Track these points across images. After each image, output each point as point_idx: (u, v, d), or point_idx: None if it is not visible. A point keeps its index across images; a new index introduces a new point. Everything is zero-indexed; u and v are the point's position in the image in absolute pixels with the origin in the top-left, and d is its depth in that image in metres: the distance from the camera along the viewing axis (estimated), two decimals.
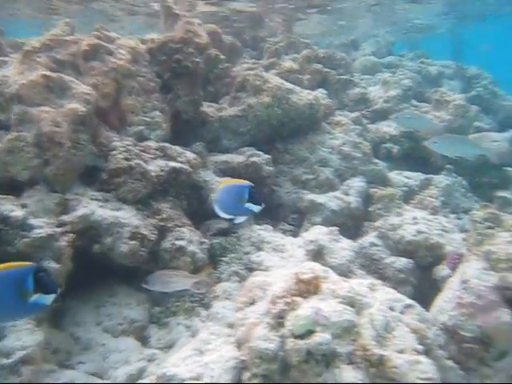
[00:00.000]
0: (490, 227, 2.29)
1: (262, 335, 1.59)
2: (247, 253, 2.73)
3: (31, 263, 1.47)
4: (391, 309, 1.90)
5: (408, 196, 3.81)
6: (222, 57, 3.50)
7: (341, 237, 2.64)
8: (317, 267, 1.84)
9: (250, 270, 2.58)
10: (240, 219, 2.04)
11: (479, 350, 1.96)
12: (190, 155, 2.83)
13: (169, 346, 2.20)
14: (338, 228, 2.70)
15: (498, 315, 1.96)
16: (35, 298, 1.44)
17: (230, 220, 2.03)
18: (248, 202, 1.90)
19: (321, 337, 1.53)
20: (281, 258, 2.60)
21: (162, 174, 2.57)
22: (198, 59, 3.04)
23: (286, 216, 3.52)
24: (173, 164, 2.64)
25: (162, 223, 2.50)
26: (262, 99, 3.44)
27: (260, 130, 3.53)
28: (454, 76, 7.87)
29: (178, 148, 2.81)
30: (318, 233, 2.58)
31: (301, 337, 1.55)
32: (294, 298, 1.65)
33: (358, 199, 3.48)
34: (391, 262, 2.76)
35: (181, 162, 2.71)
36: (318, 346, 1.52)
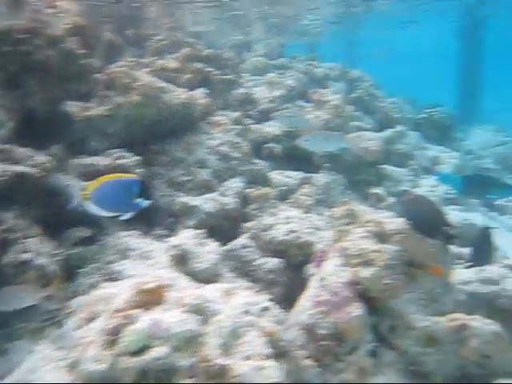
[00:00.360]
0: (347, 223, 2.36)
1: (93, 355, 1.45)
2: (110, 262, 2.55)
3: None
4: (246, 313, 1.86)
5: (288, 195, 3.88)
6: (81, 51, 3.25)
7: (208, 240, 2.56)
8: (165, 275, 1.74)
9: (112, 280, 2.40)
10: (126, 215, 1.98)
11: (334, 345, 2.00)
12: (41, 158, 2.58)
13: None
14: (205, 231, 2.63)
15: (349, 310, 2.01)
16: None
17: (115, 217, 1.96)
18: (138, 197, 1.93)
19: (158, 351, 1.43)
20: (146, 266, 2.46)
21: (1, 179, 2.30)
22: (51, 52, 2.79)
23: (162, 220, 3.38)
24: (17, 168, 2.37)
25: (3, 235, 2.23)
26: (131, 98, 3.27)
27: (131, 131, 3.35)
28: (339, 78, 8.28)
29: (25, 150, 2.55)
30: (183, 237, 2.49)
31: (136, 353, 1.44)
32: (132, 311, 1.53)
33: (236, 200, 3.45)
34: (262, 264, 2.75)
35: (29, 166, 2.45)
36: (155, 362, 1.42)
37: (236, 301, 1.91)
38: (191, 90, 4.50)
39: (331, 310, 2.03)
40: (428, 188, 5.23)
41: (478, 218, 5.13)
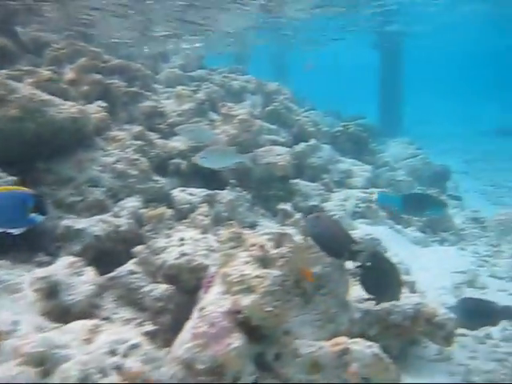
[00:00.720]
0: (233, 247, 2.28)
1: None
2: None
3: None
4: (111, 353, 1.71)
5: (189, 214, 3.75)
6: None
7: (85, 269, 2.37)
8: (8, 318, 1.54)
9: None
10: (17, 231, 1.96)
11: (213, 380, 1.90)
12: None
13: None
14: (82, 258, 2.43)
15: (228, 342, 1.92)
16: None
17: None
18: (32, 211, 1.91)
19: None
20: (11, 302, 2.22)
21: None
22: None
23: (47, 245, 3.12)
24: None
25: None
26: (7, 112, 2.99)
27: (8, 148, 3.07)
28: (256, 91, 8.33)
29: None
30: (54, 267, 2.28)
31: None
32: None
33: (130, 221, 3.26)
34: (150, 291, 2.59)
35: None
36: None
37: (100, 340, 1.75)
38: (88, 102, 4.27)
39: (209, 342, 1.92)
40: (338, 202, 5.34)
41: (383, 231, 5.32)
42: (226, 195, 4.16)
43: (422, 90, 30.73)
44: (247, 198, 4.34)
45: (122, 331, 1.83)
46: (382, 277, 2.86)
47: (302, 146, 6.46)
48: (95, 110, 3.85)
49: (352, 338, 2.98)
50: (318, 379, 2.10)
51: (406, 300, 2.96)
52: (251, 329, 2.07)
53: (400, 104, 18.28)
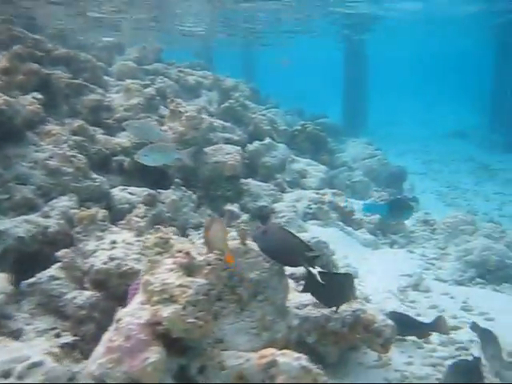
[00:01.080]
0: (159, 253, 2.17)
1: None
2: None
3: None
4: (6, 375, 1.57)
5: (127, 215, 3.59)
6: None
7: None
8: None
9: None
10: None
11: None
12: None
13: None
14: None
15: (145, 356, 1.81)
16: None
17: None
18: None
19: None
20: None
21: None
22: None
23: None
24: None
25: None
26: None
27: None
28: (212, 87, 8.20)
29: None
30: None
31: None
32: None
33: (61, 221, 3.08)
34: (72, 298, 2.44)
35: None
36: None
37: None
38: (24, 94, 4.03)
39: (123, 356, 1.80)
40: (289, 203, 5.29)
41: (333, 233, 5.31)
42: (169, 195, 4.03)
43: (387, 91, 31.30)
44: (193, 198, 4.22)
45: (21, 348, 1.68)
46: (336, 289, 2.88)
47: (255, 144, 6.39)
48: (29, 101, 3.64)
49: (290, 345, 2.95)
50: None
51: (345, 306, 2.92)
52: (173, 341, 1.97)
53: (364, 104, 18.52)
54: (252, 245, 2.88)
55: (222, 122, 6.75)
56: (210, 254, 2.11)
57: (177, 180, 4.10)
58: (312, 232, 5.16)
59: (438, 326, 3.19)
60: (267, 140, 6.59)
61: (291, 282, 3.50)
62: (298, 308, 3.03)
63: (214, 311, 2.08)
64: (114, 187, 4.00)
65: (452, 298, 4.20)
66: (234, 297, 2.67)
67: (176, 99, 4.74)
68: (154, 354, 1.82)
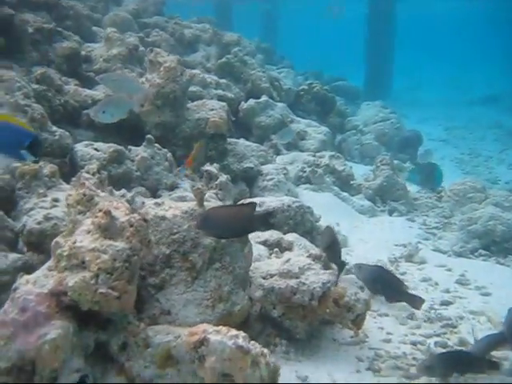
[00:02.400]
0: (81, 212, 1.89)
1: None
2: None
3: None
4: None
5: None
6: None
7: None
8: None
9: None
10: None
11: (18, 380, 1.54)
12: None
13: None
14: None
15: (43, 332, 1.55)
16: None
17: None
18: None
19: None
20: None
21: None
22: None
23: None
24: None
25: None
26: None
27: None
28: (211, 41, 7.76)
29: None
30: None
31: None
32: None
33: (5, 177, 2.82)
34: None
35: None
36: None
37: None
38: None
39: (18, 332, 1.55)
40: (279, 165, 4.95)
41: (328, 197, 4.99)
42: (139, 152, 3.74)
43: (415, 53, 30.04)
44: (168, 156, 3.92)
45: None
46: None
47: (249, 102, 6.02)
48: None
49: (251, 319, 2.70)
50: (170, 375, 1.77)
51: (314, 277, 2.63)
52: (92, 314, 1.71)
53: (388, 67, 17.56)
54: (210, 206, 2.59)
55: (216, 78, 6.36)
56: (135, 214, 1.82)
57: (149, 136, 3.78)
58: (303, 197, 4.85)
59: (413, 301, 2.88)
60: (263, 98, 6.19)
61: (264, 249, 3.23)
62: (264, 278, 2.75)
63: (137, 280, 1.80)
64: (77, 143, 3.71)
65: (449, 270, 3.88)
66: (186, 264, 2.41)
67: (156, 49, 4.36)
68: (55, 329, 1.57)
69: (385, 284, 2.85)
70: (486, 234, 4.40)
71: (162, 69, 4.20)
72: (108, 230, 1.76)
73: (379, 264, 3.81)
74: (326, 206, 4.78)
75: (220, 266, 2.48)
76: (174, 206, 2.51)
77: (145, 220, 1.81)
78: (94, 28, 6.55)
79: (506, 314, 2.51)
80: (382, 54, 17.11)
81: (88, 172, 2.79)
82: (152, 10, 9.66)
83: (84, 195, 1.90)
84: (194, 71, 6.09)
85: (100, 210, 1.80)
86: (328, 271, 2.73)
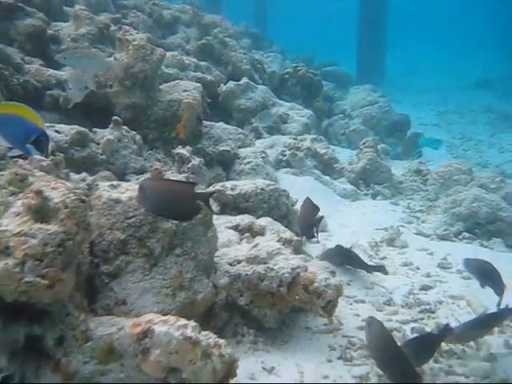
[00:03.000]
0: (13, 193, 1.71)
1: None
2: None
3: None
4: None
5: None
6: None
7: None
8: None
9: None
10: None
11: None
12: None
13: None
14: None
15: None
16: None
17: None
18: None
19: None
20: None
21: None
22: None
23: None
24: None
25: None
26: None
27: None
28: (191, 23, 7.52)
29: None
30: None
31: None
32: None
33: None
34: None
35: None
36: None
37: None
38: None
39: None
40: (258, 149, 4.78)
41: (309, 181, 4.83)
42: (105, 134, 3.55)
43: (409, 38, 29.76)
44: (136, 139, 3.73)
45: None
46: None
47: (229, 85, 5.82)
48: None
49: (217, 307, 2.55)
50: (113, 370, 1.61)
51: (283, 263, 2.48)
52: (24, 305, 1.55)
53: (381, 52, 17.32)
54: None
55: (195, 60, 6.14)
56: (70, 194, 1.64)
57: (115, 118, 3.59)
58: (282, 181, 4.69)
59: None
60: (244, 80, 6.00)
61: (235, 234, 3.07)
62: (230, 264, 2.60)
63: (75, 266, 1.63)
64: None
65: (430, 254, 3.75)
66: (143, 250, 2.25)
67: (125, 26, 4.14)
68: None
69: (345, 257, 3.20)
70: (470, 216, 4.27)
71: (130, 47, 3.99)
72: (39, 212, 1.59)
73: (358, 248, 3.69)
74: (306, 190, 4.60)
75: (181, 252, 2.32)
76: (131, 189, 2.34)
77: (82, 201, 1.63)
78: (66, 8, 6.29)
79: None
80: (375, 39, 16.82)
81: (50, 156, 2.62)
82: None
83: (16, 175, 1.72)
84: (172, 53, 5.88)
85: (31, 191, 1.63)
86: (298, 256, 2.58)
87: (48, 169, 2.58)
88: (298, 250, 2.64)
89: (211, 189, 3.43)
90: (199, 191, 2.34)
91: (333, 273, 2.54)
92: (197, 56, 6.72)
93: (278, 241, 2.69)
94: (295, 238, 2.70)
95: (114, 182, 2.38)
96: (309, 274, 2.43)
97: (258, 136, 5.69)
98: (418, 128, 11.40)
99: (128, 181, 3.51)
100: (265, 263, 2.50)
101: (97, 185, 2.35)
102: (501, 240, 4.10)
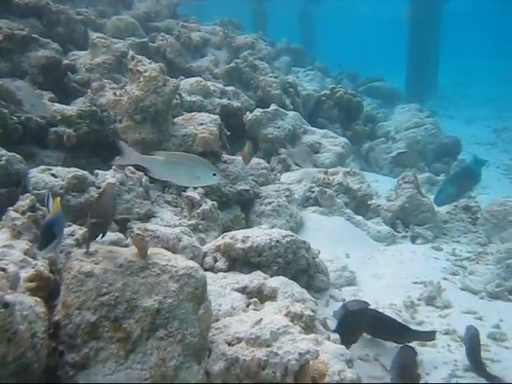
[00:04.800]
0: None
1: None
2: None
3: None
4: None
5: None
6: None
7: None
8: None
9: None
10: None
11: None
12: None
13: None
14: None
15: None
16: None
17: None
18: None
19: None
20: None
21: None
22: None
23: None
24: None
25: None
26: None
27: None
28: (221, 45, 7.33)
29: None
30: None
31: None
32: None
33: None
34: None
35: None
36: None
37: None
38: None
39: None
40: (281, 185, 4.43)
41: (338, 222, 4.43)
42: (110, 176, 3.31)
43: (465, 48, 28.86)
44: (143, 181, 3.47)
45: None
46: None
47: (255, 113, 5.53)
48: None
49: None
50: None
51: (290, 346, 2.11)
52: None
53: (433, 64, 16.62)
54: (156, 257, 2.12)
55: (221, 85, 5.91)
56: None
57: (118, 157, 3.35)
58: (309, 221, 4.31)
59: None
60: (272, 107, 5.69)
61: (242, 298, 2.72)
62: (229, 344, 2.25)
63: None
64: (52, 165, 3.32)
65: (479, 318, 3.24)
66: (118, 333, 1.94)
67: (138, 56, 3.94)
68: None
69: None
70: None
71: (141, 79, 3.77)
72: None
73: (390, 309, 3.25)
74: (335, 234, 4.23)
75: (165, 334, 2.00)
76: (109, 257, 2.05)
77: (5, 304, 1.34)
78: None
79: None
80: (427, 49, 16.04)
81: (17, 210, 2.39)
82: (165, 13, 9.38)
83: None
84: (196, 78, 5.67)
85: None
86: (308, 336, 2.20)
87: (23, 228, 2.35)
88: (309, 327, 2.26)
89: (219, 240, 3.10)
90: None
91: (349, 362, 2.13)
92: (225, 80, 6.50)
93: (286, 315, 2.32)
94: (307, 312, 2.31)
95: (92, 249, 2.08)
96: (319, 363, 2.04)
97: (287, 168, 5.34)
98: (471, 148, 10.73)
99: (130, 228, 3.26)
100: (267, 345, 2.14)
101: (69, 252, 2.08)
102: None
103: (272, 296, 2.71)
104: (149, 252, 2.09)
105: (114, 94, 3.86)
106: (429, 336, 2.86)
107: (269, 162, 5.51)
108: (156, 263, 2.06)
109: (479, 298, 3.59)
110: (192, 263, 2.15)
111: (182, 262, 2.13)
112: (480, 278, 3.90)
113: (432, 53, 16.28)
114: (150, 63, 3.90)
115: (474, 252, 4.36)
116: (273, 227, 4.00)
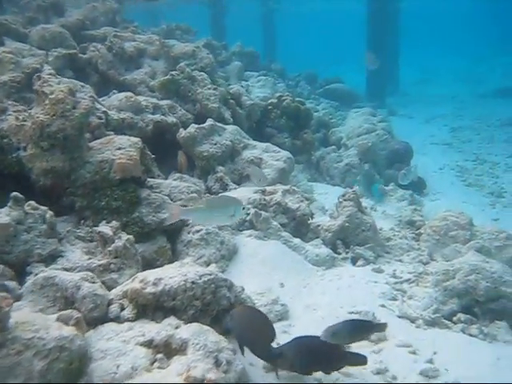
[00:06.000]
0: None
1: None
2: None
3: None
4: None
5: None
6: None
7: None
8: None
9: None
10: None
11: None
12: None
13: None
14: None
15: None
16: None
17: None
18: None
19: None
20: None
21: None
22: None
23: None
24: None
25: None
26: None
27: None
28: (158, 55, 7.03)
29: None
30: None
31: None
32: None
33: None
34: None
35: None
36: None
37: None
38: None
39: None
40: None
41: (274, 247, 4.21)
42: (4, 215, 2.98)
43: (424, 45, 29.44)
44: (46, 217, 3.15)
45: None
46: None
47: (189, 129, 5.26)
48: None
49: None
50: None
51: None
52: None
53: (393, 63, 16.74)
54: (20, 329, 1.83)
55: (154, 100, 5.62)
56: None
57: (14, 194, 3.02)
58: (244, 248, 4.09)
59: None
60: (208, 122, 5.43)
61: (146, 355, 2.44)
62: None
63: None
64: None
65: (413, 352, 3.08)
66: None
67: (44, 75, 3.61)
68: None
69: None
70: (466, 292, 3.60)
71: (47, 101, 3.45)
72: None
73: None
74: (270, 261, 4.01)
75: None
76: None
77: None
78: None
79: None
80: (385, 49, 16.04)
81: None
82: (103, 21, 9.00)
83: None
84: (125, 94, 5.36)
85: None
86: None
87: None
88: None
89: (128, 284, 2.83)
90: None
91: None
92: (161, 93, 6.21)
93: (186, 379, 2.07)
94: (210, 375, 2.07)
95: None
96: None
97: (224, 188, 5.10)
98: (427, 149, 10.79)
99: (30, 273, 2.94)
100: None
101: None
102: (505, 324, 3.43)
103: (181, 349, 2.45)
104: (12, 322, 1.80)
105: (17, 118, 3.51)
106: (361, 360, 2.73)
107: (206, 181, 5.28)
108: (17, 337, 1.78)
109: (415, 326, 3.44)
110: (67, 332, 1.88)
111: (54, 332, 1.85)
112: (418, 302, 3.77)
113: (391, 50, 16.41)
114: (59, 83, 3.58)
115: (414, 272, 4.23)
116: (200, 258, 3.77)
